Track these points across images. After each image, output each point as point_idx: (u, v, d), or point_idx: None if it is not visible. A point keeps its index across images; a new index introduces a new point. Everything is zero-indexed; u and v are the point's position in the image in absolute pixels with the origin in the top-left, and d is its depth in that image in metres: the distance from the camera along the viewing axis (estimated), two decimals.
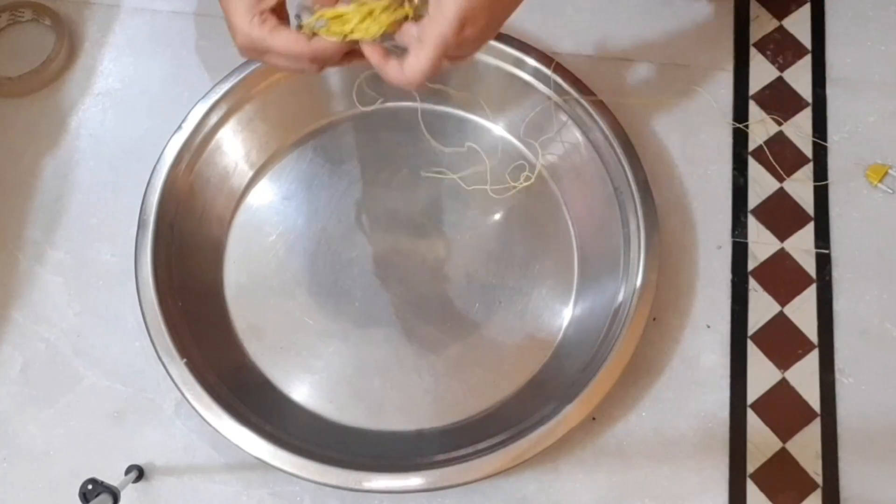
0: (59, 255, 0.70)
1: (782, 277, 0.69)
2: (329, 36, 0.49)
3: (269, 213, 0.71)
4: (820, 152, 0.73)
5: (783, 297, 0.68)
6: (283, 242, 0.70)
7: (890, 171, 0.72)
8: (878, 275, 0.69)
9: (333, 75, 0.73)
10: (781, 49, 0.77)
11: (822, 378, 0.66)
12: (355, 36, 0.49)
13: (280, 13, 0.50)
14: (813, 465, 0.64)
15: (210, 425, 0.60)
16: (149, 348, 0.62)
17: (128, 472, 0.62)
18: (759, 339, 0.67)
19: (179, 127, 0.67)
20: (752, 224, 0.71)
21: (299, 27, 0.50)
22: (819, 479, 0.63)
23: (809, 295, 0.68)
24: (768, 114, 0.74)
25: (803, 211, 0.71)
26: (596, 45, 0.76)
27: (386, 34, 0.50)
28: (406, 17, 0.49)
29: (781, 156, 0.73)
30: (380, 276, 0.69)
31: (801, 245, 0.70)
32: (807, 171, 0.72)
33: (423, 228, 0.70)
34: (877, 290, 0.69)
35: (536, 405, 0.62)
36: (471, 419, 0.65)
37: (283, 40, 0.49)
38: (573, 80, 0.69)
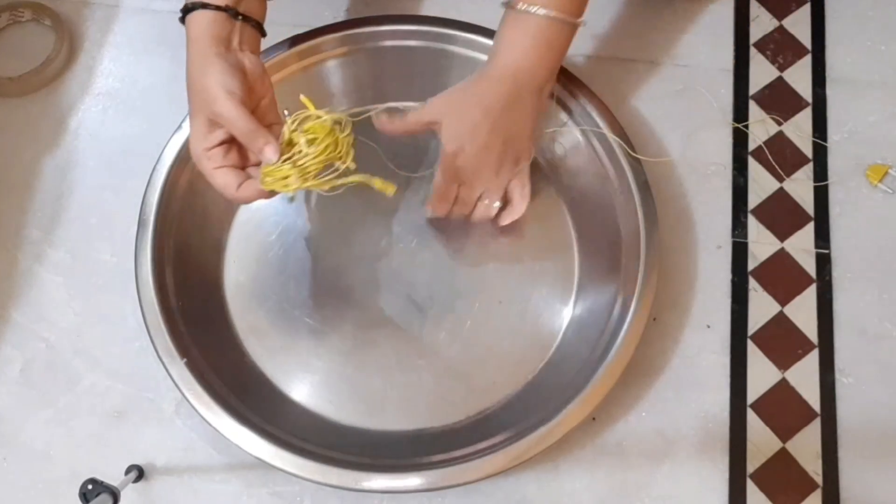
0: (58, 255, 0.70)
1: (782, 277, 0.69)
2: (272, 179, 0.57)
3: (269, 213, 0.71)
4: (820, 152, 0.73)
5: (783, 297, 0.68)
6: (282, 242, 0.70)
7: (890, 171, 0.72)
8: (878, 275, 0.69)
9: (333, 76, 0.73)
10: (781, 49, 0.77)
11: (822, 378, 0.66)
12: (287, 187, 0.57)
13: (231, 141, 0.58)
14: (813, 465, 0.64)
15: (210, 425, 0.60)
16: (149, 348, 0.62)
17: (128, 472, 0.62)
18: (759, 339, 0.67)
19: (179, 127, 0.67)
20: (752, 224, 0.71)
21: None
22: (819, 479, 0.63)
23: (809, 295, 0.68)
24: (768, 114, 0.74)
25: (803, 211, 0.71)
26: (596, 45, 0.76)
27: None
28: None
29: (781, 156, 0.73)
30: (380, 275, 0.69)
31: (801, 245, 0.70)
32: (807, 171, 0.72)
33: (422, 228, 0.70)
34: (877, 290, 0.69)
35: (536, 405, 0.62)
36: (471, 419, 0.65)
37: (219, 180, 0.57)
38: (573, 80, 0.69)
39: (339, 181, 0.58)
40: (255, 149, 0.56)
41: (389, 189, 0.59)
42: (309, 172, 0.56)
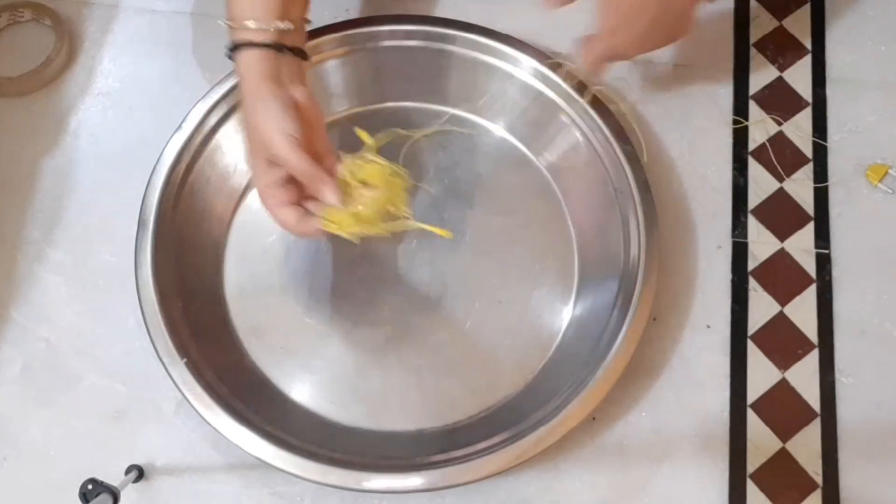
0: (58, 255, 0.70)
1: (782, 277, 0.69)
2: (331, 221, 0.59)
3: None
4: (820, 152, 0.73)
5: (783, 297, 0.68)
6: (283, 242, 0.70)
7: (890, 171, 0.72)
8: (878, 275, 0.69)
9: (333, 76, 0.73)
10: (781, 49, 0.77)
11: (822, 378, 0.66)
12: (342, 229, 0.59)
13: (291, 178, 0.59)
14: (813, 465, 0.64)
15: (210, 425, 0.60)
16: (149, 348, 0.62)
17: (128, 472, 0.62)
18: (759, 339, 0.67)
19: (179, 127, 0.67)
20: (752, 224, 0.71)
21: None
22: (819, 479, 0.63)
23: (809, 295, 0.68)
24: (768, 114, 0.74)
25: (803, 211, 0.71)
26: None
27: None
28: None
29: (781, 156, 0.73)
30: (380, 275, 0.69)
31: (801, 245, 0.70)
32: (807, 171, 0.72)
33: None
34: (877, 290, 0.69)
35: (536, 405, 0.62)
36: (471, 419, 0.65)
37: (281, 216, 0.59)
38: (573, 79, 0.69)
39: (397, 227, 0.61)
40: (314, 191, 0.58)
41: (445, 234, 0.64)
42: (367, 221, 0.59)
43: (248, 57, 0.58)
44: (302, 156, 0.56)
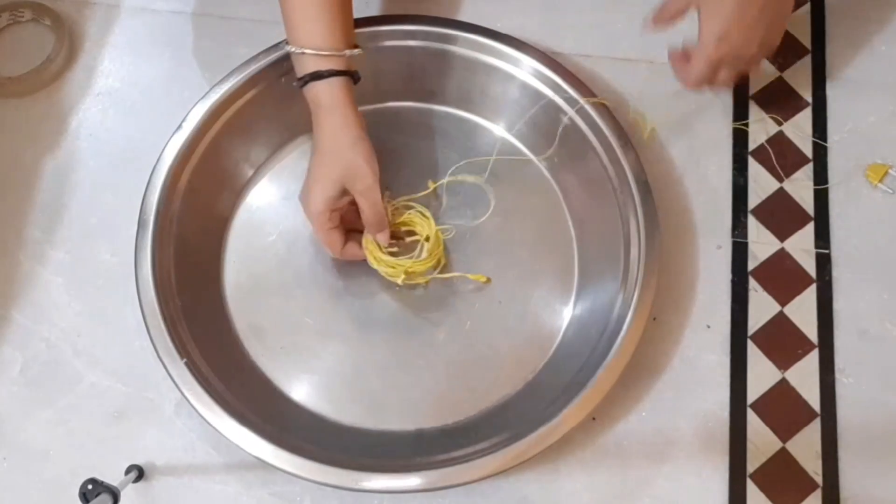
0: (59, 255, 0.70)
1: (782, 277, 0.69)
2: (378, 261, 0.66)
3: (269, 213, 0.71)
4: (820, 152, 0.73)
5: (783, 297, 0.68)
6: (283, 242, 0.70)
7: (890, 171, 0.72)
8: (878, 275, 0.69)
9: None
10: (781, 49, 0.76)
11: (822, 378, 0.66)
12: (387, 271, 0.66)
13: (347, 211, 0.64)
14: (813, 465, 0.64)
15: (210, 425, 0.59)
16: (149, 348, 0.62)
17: (128, 472, 0.62)
18: (759, 339, 0.67)
19: (179, 127, 0.67)
20: (752, 224, 0.71)
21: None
22: (819, 479, 0.63)
23: (809, 295, 0.68)
24: (768, 114, 0.74)
25: (803, 211, 0.71)
26: (596, 45, 0.76)
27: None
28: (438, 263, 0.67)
29: (781, 156, 0.73)
30: (379, 276, 0.68)
31: (801, 245, 0.70)
32: (807, 171, 0.72)
33: None
34: (877, 290, 0.69)
35: (536, 405, 0.62)
36: (471, 419, 0.65)
37: (331, 238, 0.64)
38: (573, 80, 0.69)
39: (439, 276, 0.67)
40: (373, 230, 0.64)
41: (481, 279, 0.68)
42: (415, 274, 0.66)
43: (334, 86, 0.59)
44: (380, 194, 0.61)
